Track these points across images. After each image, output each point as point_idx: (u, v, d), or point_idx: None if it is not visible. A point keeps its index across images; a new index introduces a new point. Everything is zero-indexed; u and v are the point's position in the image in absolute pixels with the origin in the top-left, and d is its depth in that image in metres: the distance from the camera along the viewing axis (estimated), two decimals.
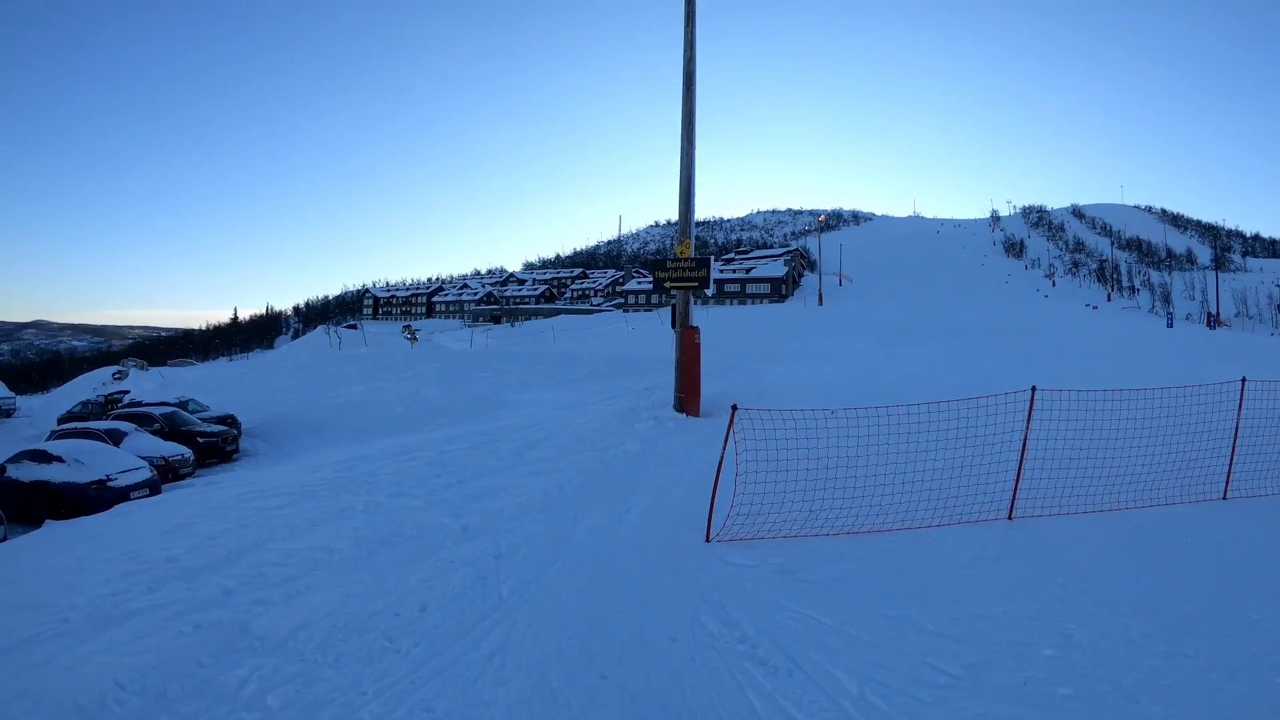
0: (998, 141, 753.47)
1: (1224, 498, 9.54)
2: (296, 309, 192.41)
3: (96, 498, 14.96)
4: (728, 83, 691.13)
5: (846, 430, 9.22)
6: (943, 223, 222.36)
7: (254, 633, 6.10)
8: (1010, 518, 8.74)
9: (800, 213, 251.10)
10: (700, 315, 19.60)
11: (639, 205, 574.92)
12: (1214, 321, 68.12)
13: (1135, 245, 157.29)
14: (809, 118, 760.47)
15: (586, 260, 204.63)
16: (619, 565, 7.67)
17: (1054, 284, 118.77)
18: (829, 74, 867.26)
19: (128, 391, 36.82)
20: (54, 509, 14.84)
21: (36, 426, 32.96)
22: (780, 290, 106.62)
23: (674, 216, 18.27)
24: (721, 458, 8.24)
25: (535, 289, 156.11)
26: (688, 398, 17.14)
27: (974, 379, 19.05)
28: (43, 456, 16.29)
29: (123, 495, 15.22)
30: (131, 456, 17.38)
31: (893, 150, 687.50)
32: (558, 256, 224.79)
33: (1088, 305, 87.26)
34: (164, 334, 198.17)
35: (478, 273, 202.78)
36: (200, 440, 22.23)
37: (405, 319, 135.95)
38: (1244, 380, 10.08)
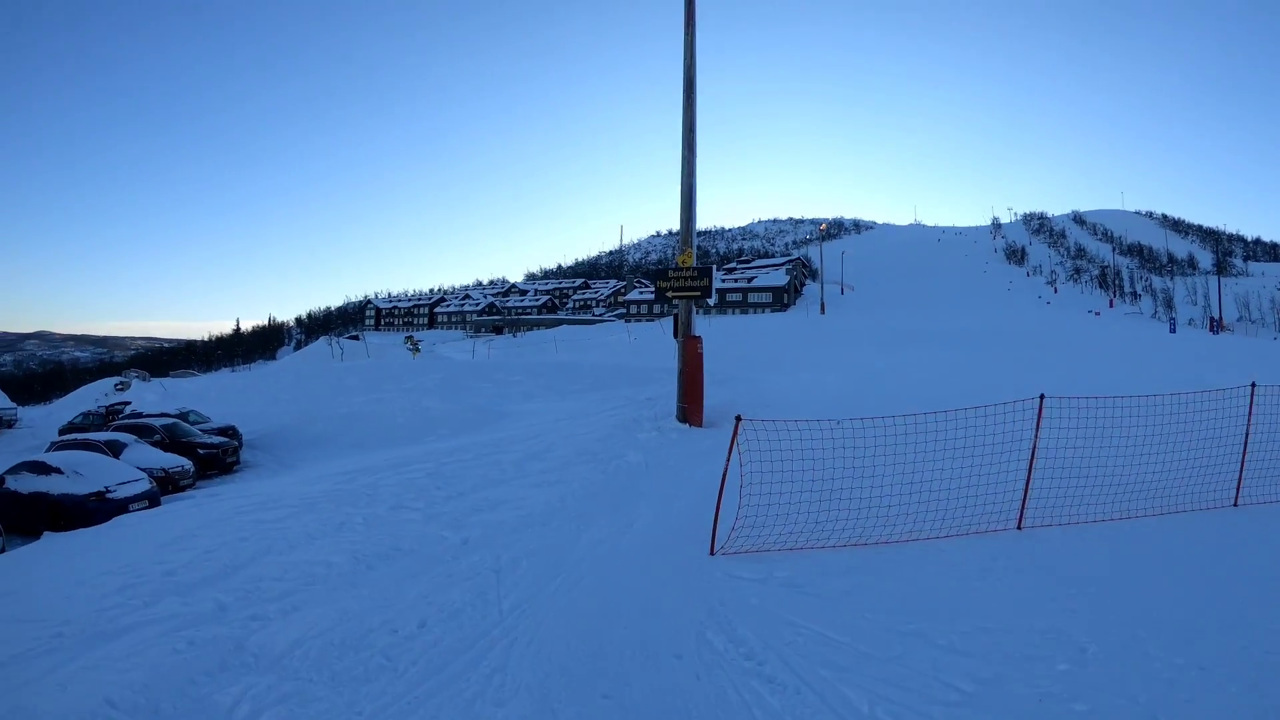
0: (998, 148, 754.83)
1: (1235, 504, 9.39)
2: (299, 320, 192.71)
3: (95, 509, 14.86)
4: (728, 93, 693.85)
5: (852, 440, 9.11)
6: (944, 230, 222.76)
7: (248, 650, 6.00)
8: (1019, 528, 8.59)
9: (801, 221, 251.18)
10: (702, 325, 19.50)
11: (640, 216, 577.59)
12: (1217, 326, 67.87)
13: (1137, 251, 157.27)
14: (809, 127, 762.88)
15: (588, 271, 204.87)
16: (622, 580, 7.54)
17: (1056, 290, 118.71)
18: (829, 83, 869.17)
19: (129, 402, 36.73)
20: (53, 521, 14.71)
21: (38, 437, 32.88)
22: (782, 299, 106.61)
23: (675, 226, 18.24)
24: (726, 469, 8.11)
25: (537, 300, 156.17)
26: (691, 408, 17.02)
27: (978, 387, 18.90)
28: (41, 468, 16.19)
29: (122, 507, 15.11)
30: (130, 468, 17.28)
31: (894, 158, 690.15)
32: (559, 267, 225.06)
33: (1090, 311, 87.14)
34: (166, 345, 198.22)
35: (479, 283, 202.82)
36: (200, 451, 22.15)
37: (407, 330, 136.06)
38: (1254, 385, 9.94)
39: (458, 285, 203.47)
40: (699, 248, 17.84)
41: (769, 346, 41.22)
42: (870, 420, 9.46)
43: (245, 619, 6.63)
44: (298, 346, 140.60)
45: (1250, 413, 9.84)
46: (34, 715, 5.04)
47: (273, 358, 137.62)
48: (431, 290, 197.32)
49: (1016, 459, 8.97)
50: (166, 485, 18.30)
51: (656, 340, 47.46)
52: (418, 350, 58.69)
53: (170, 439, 22.75)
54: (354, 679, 5.53)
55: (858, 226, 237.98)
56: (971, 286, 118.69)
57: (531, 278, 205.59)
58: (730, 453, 8.09)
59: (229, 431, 25.29)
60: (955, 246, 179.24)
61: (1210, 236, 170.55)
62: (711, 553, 8.08)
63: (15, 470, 16.43)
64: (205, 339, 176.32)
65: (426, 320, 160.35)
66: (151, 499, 16.16)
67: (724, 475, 8.11)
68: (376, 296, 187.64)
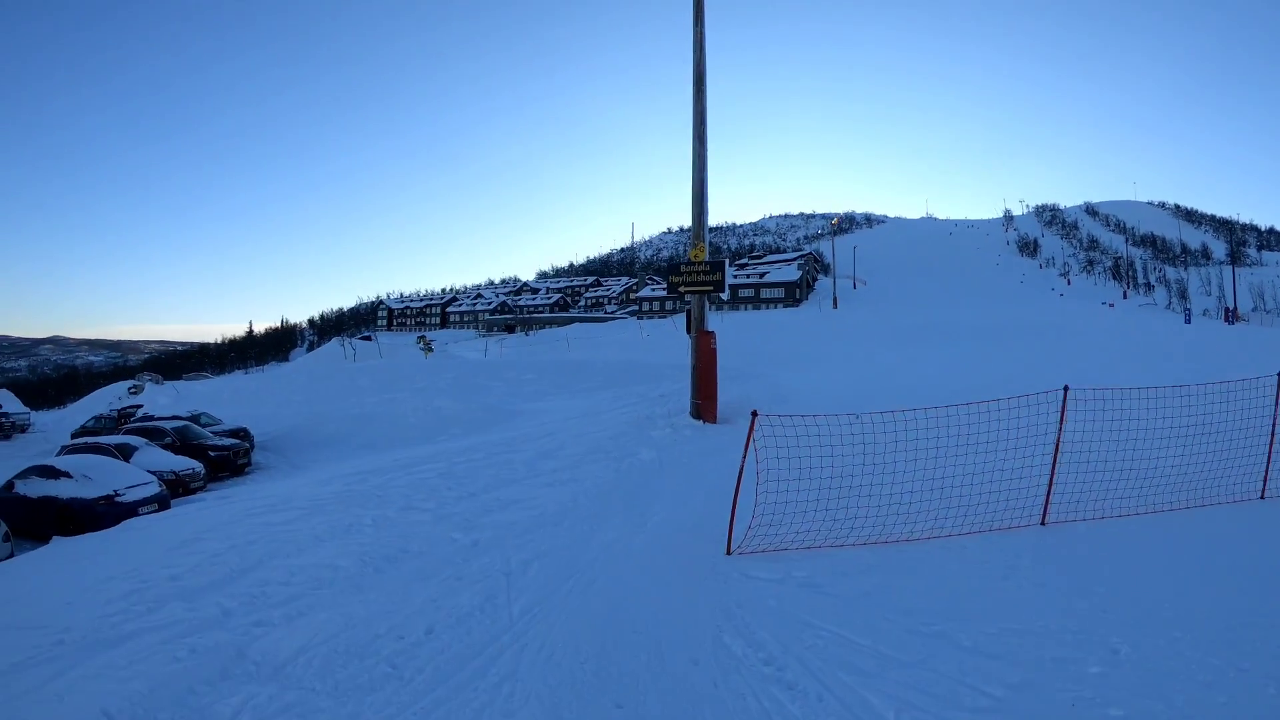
0: (1009, 141, 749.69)
1: (1261, 497, 9.13)
2: (311, 321, 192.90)
3: (104, 513, 14.78)
4: (737, 89, 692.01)
5: (870, 435, 8.90)
6: (956, 223, 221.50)
7: (250, 657, 5.85)
8: (1043, 523, 8.37)
9: (813, 216, 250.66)
10: (714, 321, 19.33)
11: (651, 213, 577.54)
12: (1232, 317, 67.36)
13: (1150, 242, 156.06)
14: (819, 122, 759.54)
15: (600, 268, 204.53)
16: (636, 581, 7.36)
17: (1069, 283, 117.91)
18: (838, 78, 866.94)
19: (141, 406, 36.79)
20: (62, 525, 14.65)
21: (50, 441, 32.93)
22: (794, 295, 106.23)
23: (686, 223, 18.20)
24: (742, 466, 7.90)
25: (549, 298, 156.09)
26: (704, 404, 16.85)
27: (993, 380, 18.75)
28: (51, 472, 16.15)
29: (131, 510, 15.06)
30: (140, 471, 17.23)
31: (904, 152, 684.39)
32: (571, 265, 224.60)
33: (1104, 303, 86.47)
34: (179, 348, 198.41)
35: (491, 282, 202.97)
36: (211, 454, 22.13)
37: (420, 330, 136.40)
38: None
39: (470, 285, 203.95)
40: (710, 244, 17.63)
41: (782, 342, 41.13)
42: (888, 414, 9.25)
43: (249, 625, 6.50)
44: (310, 348, 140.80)
45: (1277, 403, 9.59)
46: None
47: (285, 359, 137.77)
48: (444, 290, 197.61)
49: (1039, 452, 8.76)
50: (177, 488, 18.27)
51: (669, 337, 47.38)
52: (430, 350, 58.73)
53: (181, 441, 22.77)
54: (358, 688, 5.37)
55: (869, 221, 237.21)
56: (984, 280, 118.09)
57: (543, 276, 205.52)
58: (746, 449, 7.89)
59: (240, 433, 25.27)
60: (967, 239, 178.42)
61: (1224, 226, 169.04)
62: (728, 552, 7.89)
63: (24, 475, 16.40)
64: (218, 341, 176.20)
65: (439, 320, 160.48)
66: (161, 502, 16.10)
67: (740, 472, 7.91)
68: (389, 297, 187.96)
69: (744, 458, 7.89)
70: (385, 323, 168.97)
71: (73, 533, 13.12)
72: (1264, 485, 9.23)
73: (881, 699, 4.88)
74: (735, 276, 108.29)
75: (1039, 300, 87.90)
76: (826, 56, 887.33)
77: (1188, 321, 59.13)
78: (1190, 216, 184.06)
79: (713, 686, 5.19)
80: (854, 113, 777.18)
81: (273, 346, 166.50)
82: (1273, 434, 9.48)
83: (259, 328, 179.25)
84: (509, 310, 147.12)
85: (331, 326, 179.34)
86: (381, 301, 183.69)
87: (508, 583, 7.41)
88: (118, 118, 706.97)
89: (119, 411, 35.42)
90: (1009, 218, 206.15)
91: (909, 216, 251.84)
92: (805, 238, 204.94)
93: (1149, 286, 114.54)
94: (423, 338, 72.52)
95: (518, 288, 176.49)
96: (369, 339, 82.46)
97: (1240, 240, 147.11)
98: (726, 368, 19.13)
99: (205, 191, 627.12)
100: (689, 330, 17.73)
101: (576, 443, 15.01)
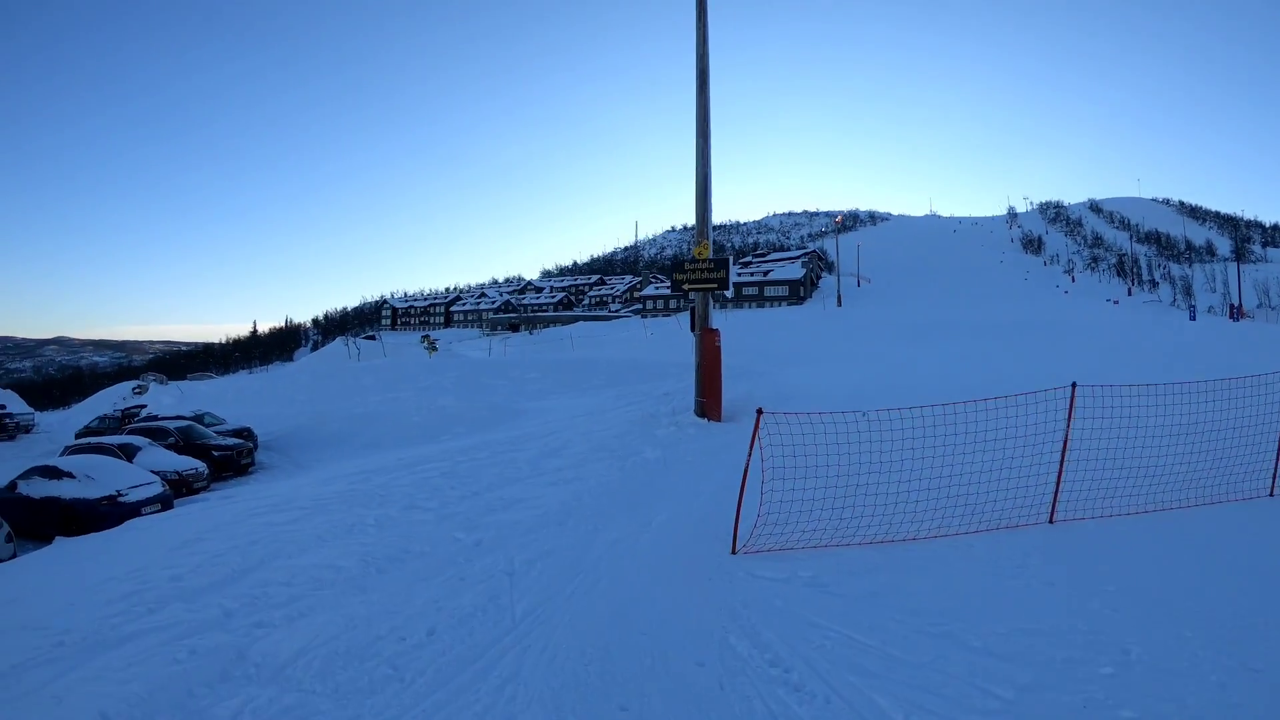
0: (1013, 138, 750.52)
1: (1271, 494, 9.07)
2: (315, 321, 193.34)
3: (107, 513, 14.77)
4: (741, 87, 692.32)
5: (876, 433, 8.82)
6: (960, 221, 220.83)
7: (250, 659, 5.78)
8: (1051, 521, 8.30)
9: (816, 214, 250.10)
10: (718, 319, 19.24)
11: (655, 211, 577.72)
12: (1237, 313, 67.09)
13: (1154, 238, 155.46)
14: (822, 119, 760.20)
15: (604, 267, 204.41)
16: (640, 581, 7.27)
17: (1073, 279, 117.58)
18: (842, 75, 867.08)
19: (145, 406, 36.88)
20: (64, 525, 14.65)
21: (54, 442, 33.00)
22: (798, 292, 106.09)
23: (690, 221, 17.98)
24: (747, 464, 7.81)
25: (553, 297, 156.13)
26: (709, 402, 16.77)
27: (999, 378, 18.66)
28: (53, 472, 16.14)
29: (134, 510, 15.05)
30: (143, 471, 17.22)
31: (908, 149, 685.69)
32: (575, 264, 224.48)
33: (1108, 300, 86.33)
34: (184, 348, 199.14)
35: (495, 281, 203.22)
36: (215, 453, 22.16)
37: (423, 329, 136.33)
38: None
39: (474, 284, 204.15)
40: (714, 242, 17.54)
41: (786, 340, 41.04)
42: (894, 412, 9.16)
43: (249, 626, 6.43)
44: (314, 347, 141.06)
45: None
46: None
47: (290, 359, 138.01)
48: (448, 289, 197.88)
49: (1047, 450, 8.69)
50: (180, 488, 18.26)
51: (673, 335, 47.34)
52: (434, 349, 58.63)
53: (185, 441, 22.81)
54: (359, 690, 5.30)
55: (873, 218, 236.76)
56: (988, 277, 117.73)
57: (547, 275, 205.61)
58: (752, 447, 7.81)
59: (244, 433, 25.30)
60: (971, 237, 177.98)
61: (1228, 223, 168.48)
62: (733, 551, 7.82)
63: (27, 475, 16.40)
64: (223, 341, 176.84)
65: (443, 319, 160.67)
66: (164, 502, 16.09)
67: (745, 471, 7.82)
68: (393, 296, 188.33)
69: (749, 456, 7.81)
70: (389, 322, 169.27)
71: (75, 533, 13.14)
72: (1274, 482, 9.19)
73: (890, 701, 4.81)
74: (739, 274, 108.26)
75: (1043, 297, 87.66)
76: (830, 55, 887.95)
77: (1193, 318, 58.82)
78: (1195, 213, 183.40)
79: (718, 688, 5.12)
80: (858, 110, 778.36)
81: (277, 346, 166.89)
82: None
83: (263, 328, 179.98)
84: (513, 309, 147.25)
85: (336, 326, 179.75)
86: (386, 301, 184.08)
87: (511, 583, 7.34)
88: (122, 119, 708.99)
89: (123, 412, 35.52)
90: (1013, 215, 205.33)
91: (913, 214, 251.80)
92: (809, 236, 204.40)
93: (1154, 283, 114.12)
94: (427, 337, 72.32)
95: (522, 287, 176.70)
96: (373, 338, 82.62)
97: (1245, 237, 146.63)
98: (731, 366, 19.05)
99: (210, 192, 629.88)
100: (693, 328, 17.65)
101: (580, 442, 14.93)
